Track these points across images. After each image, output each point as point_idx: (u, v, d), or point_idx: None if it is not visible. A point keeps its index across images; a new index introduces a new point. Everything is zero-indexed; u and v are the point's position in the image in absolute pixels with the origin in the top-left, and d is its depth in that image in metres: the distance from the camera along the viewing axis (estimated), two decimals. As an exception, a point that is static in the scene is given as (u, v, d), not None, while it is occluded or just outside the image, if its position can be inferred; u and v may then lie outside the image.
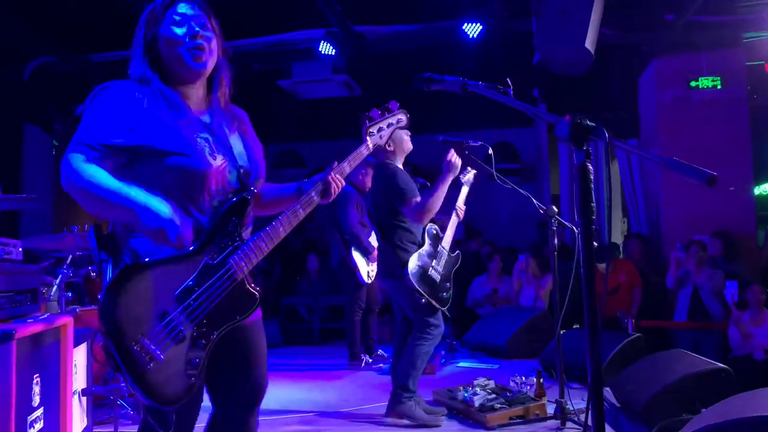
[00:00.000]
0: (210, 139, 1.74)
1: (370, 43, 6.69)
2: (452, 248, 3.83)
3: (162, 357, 1.54)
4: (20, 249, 2.40)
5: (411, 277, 3.52)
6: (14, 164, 6.99)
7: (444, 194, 3.58)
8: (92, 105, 1.66)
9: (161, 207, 1.55)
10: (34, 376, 2.30)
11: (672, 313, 5.77)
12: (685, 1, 5.62)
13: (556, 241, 3.59)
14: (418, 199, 3.60)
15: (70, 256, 3.93)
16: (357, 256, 5.41)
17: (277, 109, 8.13)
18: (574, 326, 5.73)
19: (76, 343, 2.90)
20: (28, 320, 2.34)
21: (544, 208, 3.58)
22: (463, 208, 3.98)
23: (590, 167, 1.42)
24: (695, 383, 3.26)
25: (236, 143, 1.82)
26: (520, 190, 3.68)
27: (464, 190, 4.03)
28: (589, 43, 4.69)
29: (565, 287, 3.37)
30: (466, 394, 3.78)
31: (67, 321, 2.63)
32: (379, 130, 2.09)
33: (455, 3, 6.16)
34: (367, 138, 2.06)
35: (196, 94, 1.79)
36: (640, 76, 7.18)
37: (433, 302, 3.57)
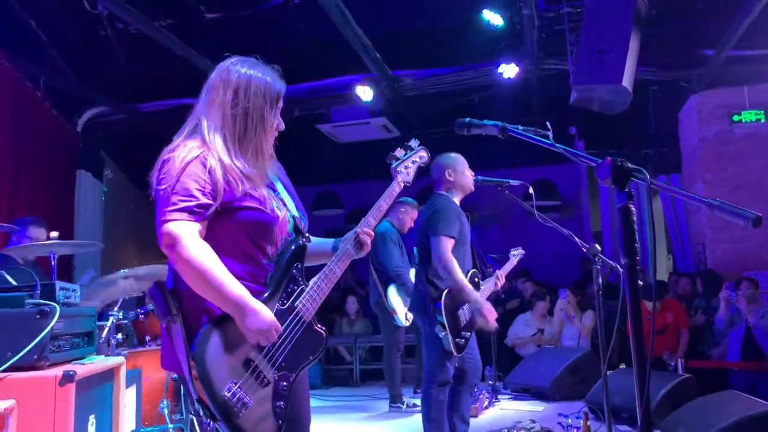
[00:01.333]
0: (273, 193, 1.84)
1: (407, 87, 6.84)
2: None
3: (252, 403, 1.63)
4: (78, 292, 2.52)
5: (440, 310, 3.42)
6: (68, 209, 7.29)
7: (468, 293, 3.48)
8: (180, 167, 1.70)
9: (267, 314, 1.66)
10: (90, 416, 2.38)
11: (723, 355, 5.58)
12: (723, 36, 5.60)
13: (600, 279, 3.55)
14: (451, 239, 3.48)
15: (121, 299, 4.06)
16: (394, 297, 5.40)
17: (316, 152, 8.32)
18: (621, 366, 5.59)
19: (127, 384, 2.98)
20: (86, 362, 2.43)
21: (587, 246, 3.54)
22: (503, 280, 3.95)
23: (633, 208, 1.43)
24: (751, 426, 3.14)
25: (284, 193, 1.92)
26: (562, 229, 3.65)
27: (511, 263, 4.05)
28: (627, 82, 4.70)
29: (609, 326, 3.31)
30: (511, 437, 3.72)
31: (121, 363, 2.72)
32: (406, 167, 2.21)
33: (491, 45, 6.27)
34: (397, 176, 2.17)
35: None
36: (680, 112, 7.12)
37: (451, 341, 3.42)
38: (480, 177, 3.79)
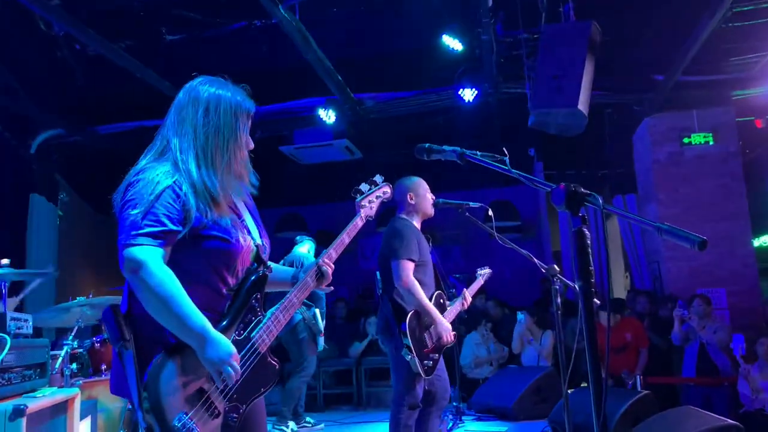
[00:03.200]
0: (238, 220, 1.82)
1: (369, 109, 6.89)
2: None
3: None
4: (30, 323, 2.44)
5: (405, 332, 3.39)
6: (20, 233, 7.07)
7: (431, 314, 3.51)
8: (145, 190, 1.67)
9: (227, 345, 1.63)
10: (41, 451, 2.29)
11: (679, 370, 5.71)
12: (673, 62, 5.82)
13: (559, 299, 3.60)
14: (411, 262, 3.49)
15: (75, 327, 3.94)
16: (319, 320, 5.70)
17: (279, 174, 8.29)
18: (582, 384, 5.66)
19: (81, 417, 2.89)
20: (38, 395, 2.34)
21: (546, 267, 3.60)
22: (470, 300, 3.98)
23: (587, 232, 1.47)
24: (707, 442, 3.22)
25: (249, 219, 1.89)
26: (521, 250, 3.71)
27: (478, 282, 4.08)
28: (582, 105, 4.84)
29: (569, 345, 3.36)
30: (475, 459, 3.71)
31: (74, 395, 2.63)
32: (370, 202, 2.26)
33: (451, 69, 6.39)
34: (360, 210, 2.22)
35: None
36: (633, 134, 7.35)
37: (418, 363, 3.38)
38: (441, 199, 3.83)
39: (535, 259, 3.66)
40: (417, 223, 3.70)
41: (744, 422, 3.36)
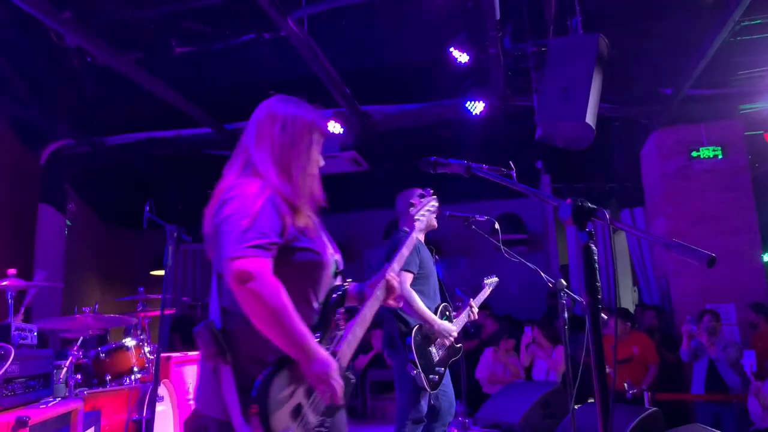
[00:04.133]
0: (322, 233, 1.85)
1: (376, 122, 6.90)
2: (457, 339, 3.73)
3: None
4: (35, 333, 2.43)
5: (410, 346, 3.39)
6: (28, 243, 7.10)
7: (430, 322, 3.50)
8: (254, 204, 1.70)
9: (330, 359, 1.65)
10: (43, 462, 2.28)
11: (688, 386, 5.64)
12: (681, 75, 5.81)
13: (566, 314, 3.58)
14: (409, 273, 3.48)
15: (81, 338, 3.94)
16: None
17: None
18: (589, 400, 5.60)
19: (85, 428, 2.88)
20: (41, 405, 2.34)
21: (553, 281, 3.58)
22: (476, 310, 3.96)
23: (594, 248, 1.46)
24: (717, 461, 3.16)
25: (324, 235, 1.92)
26: (528, 263, 3.69)
27: (485, 292, 4.06)
28: (590, 119, 4.82)
29: (577, 360, 3.33)
30: (480, 475, 3.67)
31: (77, 406, 2.63)
32: (422, 215, 2.34)
33: (458, 82, 6.40)
34: (415, 224, 2.32)
35: None
36: (641, 147, 7.32)
37: (424, 378, 3.38)
38: (447, 212, 3.82)
39: (542, 273, 3.64)
40: (420, 236, 3.69)
41: (754, 440, 3.31)
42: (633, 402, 5.40)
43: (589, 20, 5.21)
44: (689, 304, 6.30)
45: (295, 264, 1.71)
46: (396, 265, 2.06)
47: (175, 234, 3.90)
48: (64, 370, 3.64)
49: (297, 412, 1.64)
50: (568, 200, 1.45)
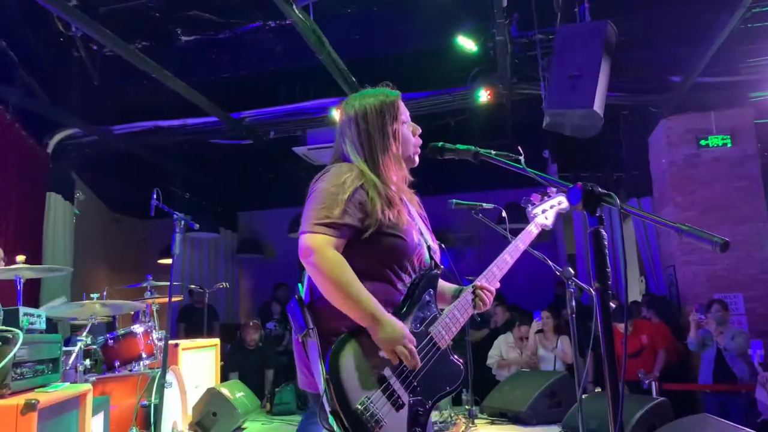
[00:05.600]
0: (412, 220, 1.88)
1: (382, 110, 6.87)
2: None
3: (386, 422, 1.61)
4: (44, 318, 2.45)
5: None
6: (37, 232, 7.14)
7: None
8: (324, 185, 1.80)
9: (401, 326, 1.67)
10: (53, 447, 2.30)
11: (696, 376, 5.63)
12: (690, 63, 5.75)
13: (573, 303, 3.56)
14: None
15: (90, 324, 3.97)
16: None
17: (291, 175, 8.30)
18: (597, 389, 5.60)
19: (94, 412, 2.90)
20: (49, 389, 2.35)
21: (560, 270, 3.56)
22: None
23: (604, 233, 1.44)
24: (724, 449, 3.16)
25: (420, 223, 1.97)
26: (535, 252, 3.67)
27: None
28: (598, 107, 4.79)
29: (584, 349, 3.32)
30: (487, 462, 3.68)
31: (86, 390, 2.64)
32: (544, 211, 2.29)
33: (465, 70, 6.36)
34: (534, 219, 2.28)
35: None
36: (650, 136, 7.27)
37: None
38: (454, 200, 3.80)
39: (550, 262, 3.62)
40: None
41: None
42: (641, 392, 5.40)
43: (597, 7, 5.16)
44: (697, 294, 6.28)
45: (381, 248, 1.77)
46: (497, 269, 2.05)
47: (182, 222, 3.91)
48: (74, 355, 3.67)
49: (378, 383, 1.64)
50: (579, 184, 1.44)
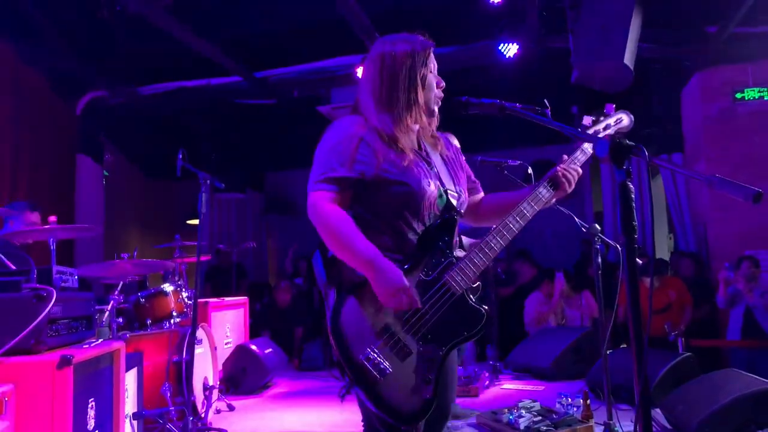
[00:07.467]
0: (424, 166, 1.85)
1: (407, 67, 6.76)
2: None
3: (390, 370, 1.64)
4: (76, 277, 2.51)
5: None
6: (68, 193, 7.28)
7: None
8: (326, 142, 1.83)
9: (398, 275, 1.66)
10: (90, 399, 2.38)
11: (723, 333, 5.58)
12: (726, 13, 5.52)
13: (600, 259, 3.54)
14: None
15: (121, 283, 4.06)
16: None
17: (317, 134, 8.27)
18: (622, 345, 5.59)
19: (127, 368, 2.99)
20: (84, 345, 2.43)
21: (587, 226, 3.52)
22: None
23: (631, 186, 1.41)
24: (751, 404, 3.15)
25: (441, 167, 1.93)
26: (562, 208, 3.63)
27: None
28: (629, 59, 4.65)
29: (609, 306, 3.30)
30: (510, 417, 3.73)
31: (120, 346, 2.72)
32: (605, 128, 2.08)
33: (491, 23, 6.19)
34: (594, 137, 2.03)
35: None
36: (682, 90, 7.05)
37: None
38: (480, 157, 3.76)
39: (576, 219, 3.58)
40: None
41: (791, 386, 3.26)
42: (668, 347, 5.37)
43: (630, -46, 4.95)
44: (727, 251, 6.17)
45: (386, 195, 1.77)
46: (580, 154, 1.99)
47: (208, 182, 3.94)
48: (107, 313, 3.77)
49: (383, 333, 1.66)
50: (606, 135, 1.40)
